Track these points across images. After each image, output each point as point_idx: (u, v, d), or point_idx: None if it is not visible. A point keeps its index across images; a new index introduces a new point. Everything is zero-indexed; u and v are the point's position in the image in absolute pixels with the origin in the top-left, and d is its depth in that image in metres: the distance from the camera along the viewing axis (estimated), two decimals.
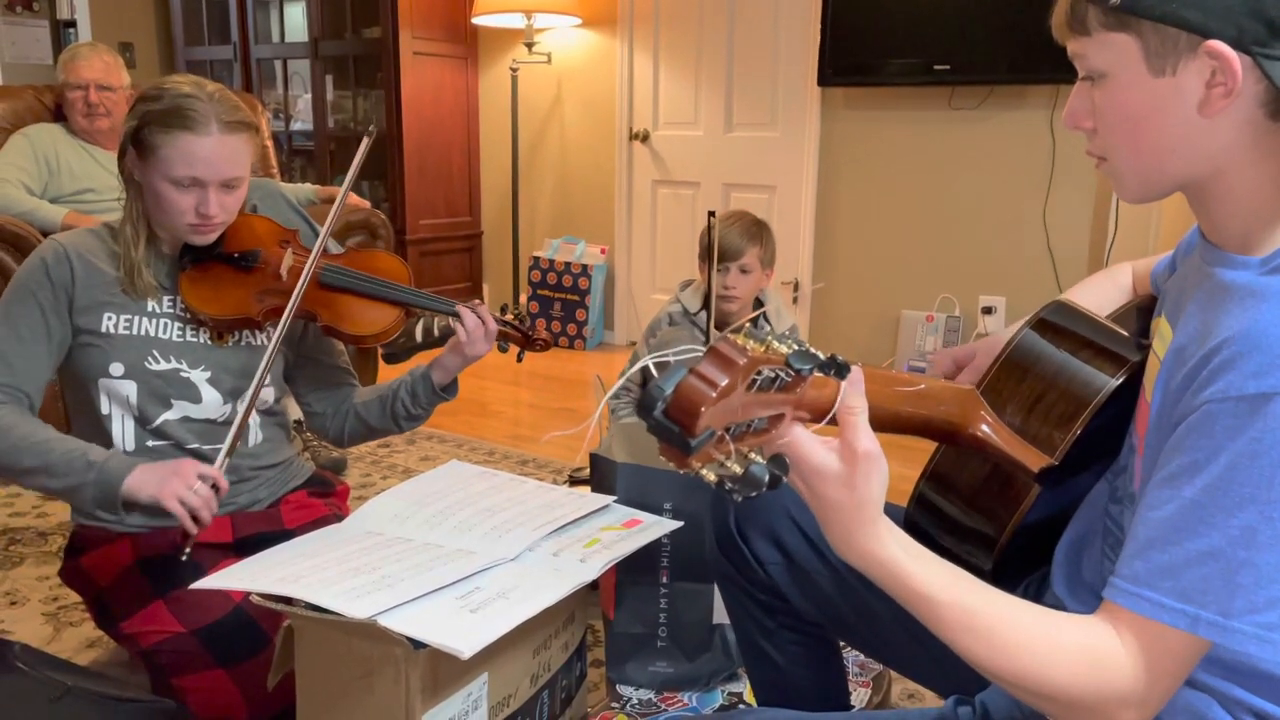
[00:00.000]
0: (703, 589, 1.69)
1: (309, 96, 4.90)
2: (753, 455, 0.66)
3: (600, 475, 1.70)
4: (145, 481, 1.39)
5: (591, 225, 4.67)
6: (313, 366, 1.72)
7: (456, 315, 1.60)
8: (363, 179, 4.79)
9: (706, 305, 2.27)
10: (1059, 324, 1.00)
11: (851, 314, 3.98)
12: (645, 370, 2.11)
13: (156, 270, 1.56)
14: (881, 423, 0.81)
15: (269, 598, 1.18)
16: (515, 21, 4.27)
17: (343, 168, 4.74)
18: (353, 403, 1.71)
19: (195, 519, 1.38)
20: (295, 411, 1.84)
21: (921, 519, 1.04)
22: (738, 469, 0.64)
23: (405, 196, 4.60)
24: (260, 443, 1.63)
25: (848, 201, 3.94)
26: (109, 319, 1.51)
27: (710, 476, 0.65)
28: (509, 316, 1.70)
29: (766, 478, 0.64)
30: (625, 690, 1.71)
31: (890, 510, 0.77)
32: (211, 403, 1.57)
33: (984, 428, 0.94)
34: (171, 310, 1.56)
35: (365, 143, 1.59)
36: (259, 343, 1.61)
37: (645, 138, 4.44)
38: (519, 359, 1.77)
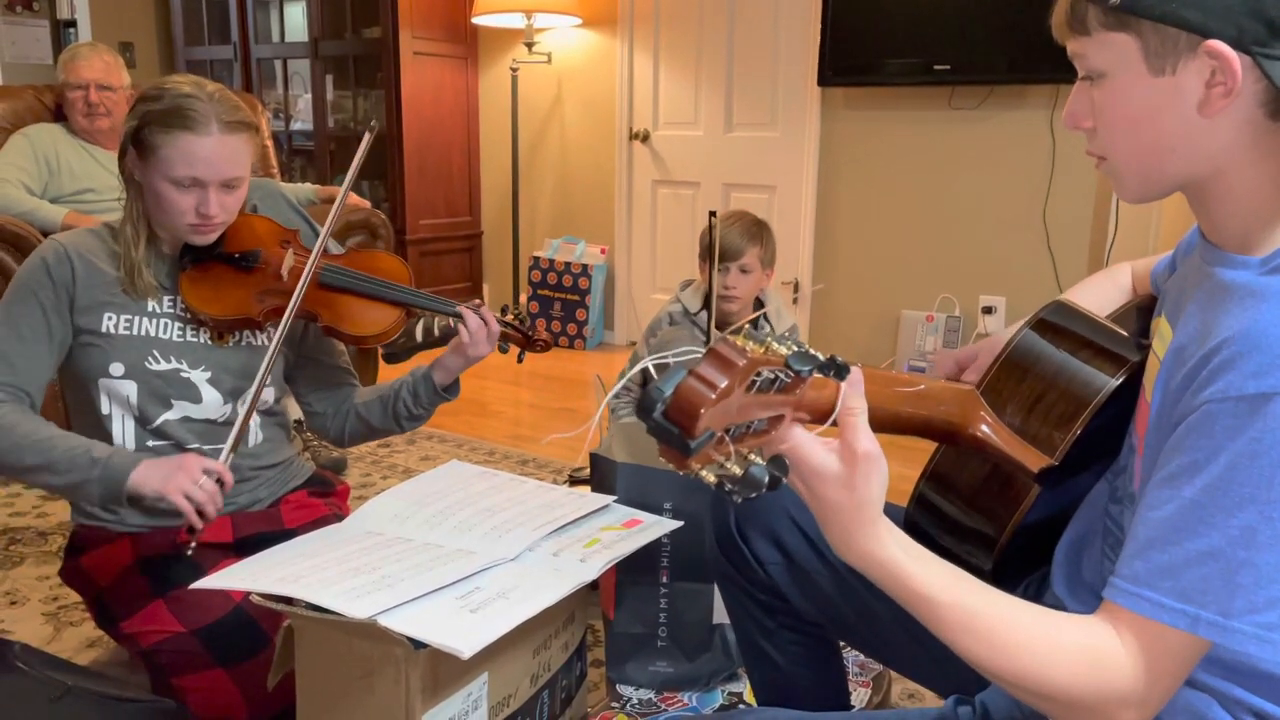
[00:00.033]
0: (703, 589, 1.69)
1: (309, 96, 4.90)
2: (752, 456, 0.66)
3: (600, 475, 1.70)
4: (150, 477, 1.38)
5: (591, 225, 4.67)
6: (313, 367, 1.72)
7: (458, 316, 1.60)
8: (363, 179, 4.79)
9: (707, 305, 2.27)
10: (1059, 324, 1.00)
11: (851, 314, 3.99)
12: (645, 370, 2.11)
13: (157, 270, 1.56)
14: (881, 423, 0.81)
15: (269, 597, 1.18)
16: (515, 21, 4.27)
17: (343, 167, 4.74)
18: (353, 403, 1.71)
19: (201, 514, 1.38)
20: (295, 411, 1.84)
21: (921, 519, 1.04)
22: (737, 470, 0.64)
23: (405, 196, 4.60)
24: (260, 443, 1.63)
25: (848, 201, 3.94)
26: (109, 319, 1.51)
27: (710, 478, 0.65)
28: (509, 317, 1.70)
29: (766, 479, 0.64)
30: (625, 690, 1.71)
31: (890, 510, 0.77)
32: (212, 403, 1.57)
33: (984, 428, 0.94)
34: (172, 310, 1.56)
35: (366, 139, 1.59)
36: (259, 343, 1.61)
37: (645, 138, 4.44)
38: (519, 359, 1.77)
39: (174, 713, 1.36)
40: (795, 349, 0.67)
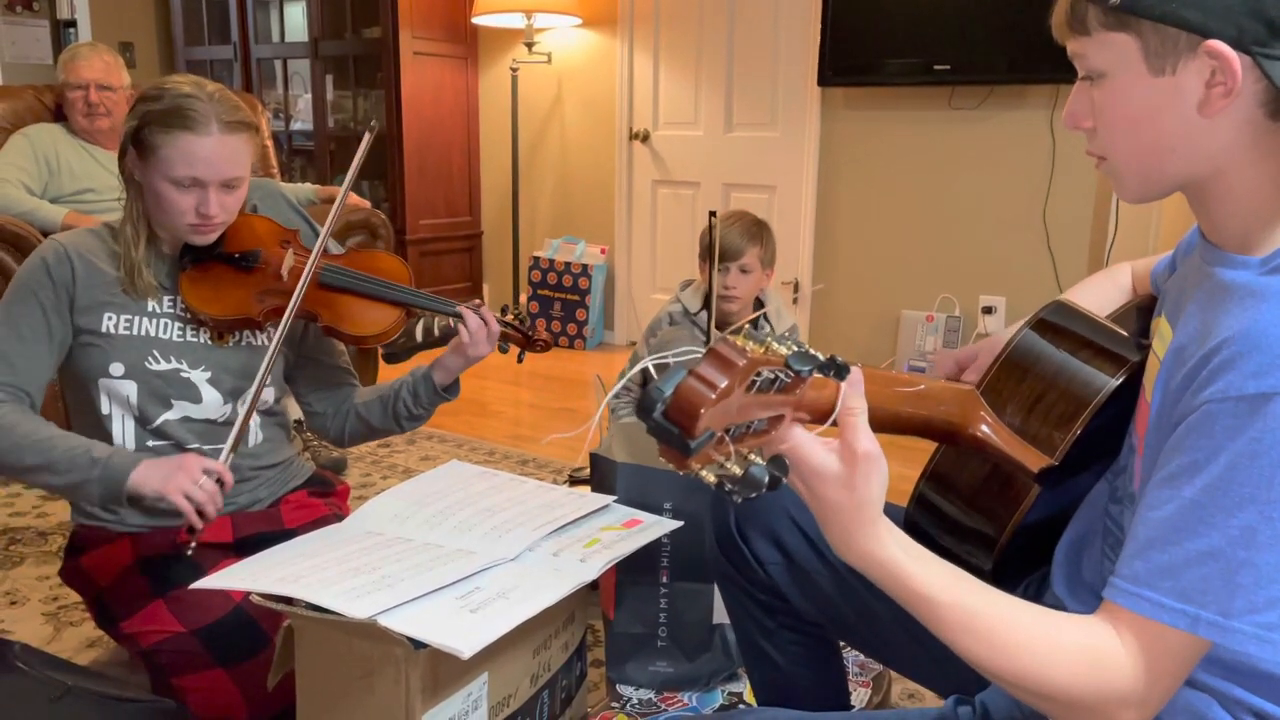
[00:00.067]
0: (703, 589, 1.69)
1: (309, 96, 4.90)
2: (752, 456, 0.66)
3: (600, 475, 1.70)
4: (150, 477, 1.38)
5: (591, 225, 4.67)
6: (313, 367, 1.72)
7: (458, 316, 1.60)
8: (363, 179, 4.79)
9: (707, 305, 2.27)
10: (1059, 324, 1.00)
11: (851, 314, 3.99)
12: (645, 370, 2.11)
13: (157, 270, 1.56)
14: (881, 423, 0.81)
15: (269, 597, 1.18)
16: (515, 21, 4.27)
17: (343, 167, 4.74)
18: (353, 403, 1.71)
19: (201, 514, 1.38)
20: (295, 411, 1.84)
21: (921, 519, 1.04)
22: (737, 470, 0.64)
23: (405, 196, 4.60)
24: (260, 443, 1.63)
25: (848, 201, 3.94)
26: (109, 319, 1.51)
27: (710, 478, 0.65)
28: (509, 317, 1.70)
29: (766, 479, 0.64)
30: (625, 690, 1.71)
31: (890, 510, 0.77)
32: (212, 403, 1.57)
33: (984, 428, 0.94)
34: (172, 310, 1.56)
35: (367, 138, 1.59)
36: (259, 343, 1.61)
37: (645, 138, 4.44)
38: (519, 360, 1.77)
39: (174, 713, 1.36)
40: (795, 349, 0.67)
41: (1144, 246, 3.28)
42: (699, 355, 0.64)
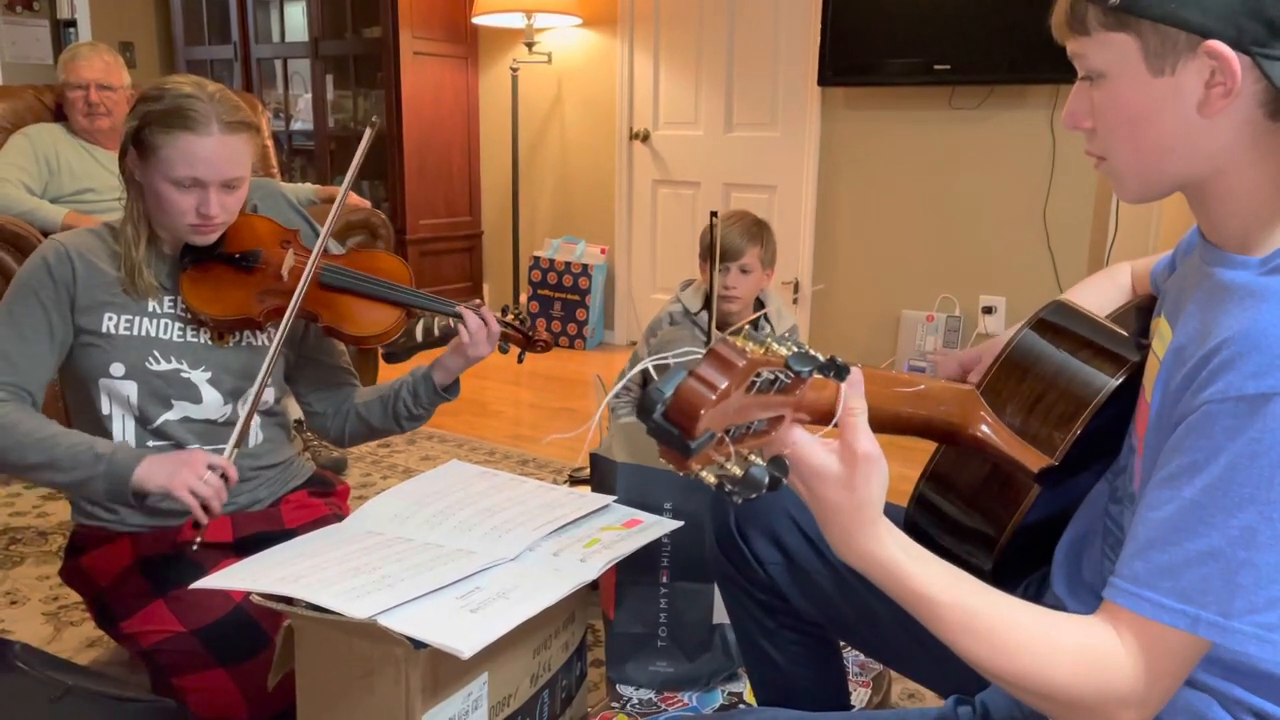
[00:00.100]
0: (703, 589, 1.70)
1: (309, 96, 4.90)
2: (752, 457, 0.66)
3: (600, 475, 1.70)
4: (155, 472, 1.38)
5: (592, 225, 4.67)
6: (314, 367, 1.72)
7: (458, 316, 1.60)
8: (363, 179, 4.79)
9: (707, 305, 2.27)
10: (1058, 324, 1.00)
11: (852, 314, 3.99)
12: (645, 370, 2.11)
13: (157, 270, 1.56)
14: (881, 423, 0.81)
15: (269, 597, 1.18)
16: (515, 21, 4.27)
17: (343, 167, 4.74)
18: (354, 403, 1.71)
19: (206, 509, 1.38)
20: (296, 411, 1.84)
21: (921, 519, 1.04)
22: (737, 471, 0.64)
23: (405, 196, 4.60)
24: (261, 443, 1.63)
25: (848, 201, 3.94)
26: (109, 319, 1.51)
27: (710, 478, 0.65)
28: (510, 317, 1.70)
29: (766, 480, 0.64)
30: (625, 690, 1.71)
31: (890, 510, 0.77)
32: (212, 403, 1.57)
33: (984, 428, 0.94)
34: (172, 310, 1.56)
35: (368, 134, 1.59)
36: (260, 343, 1.62)
37: (645, 137, 4.44)
38: (520, 360, 1.77)
39: (174, 713, 1.36)
40: (795, 349, 0.67)
41: (1144, 246, 3.28)
42: (699, 356, 0.64)
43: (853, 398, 0.73)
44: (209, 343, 1.57)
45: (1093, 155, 0.86)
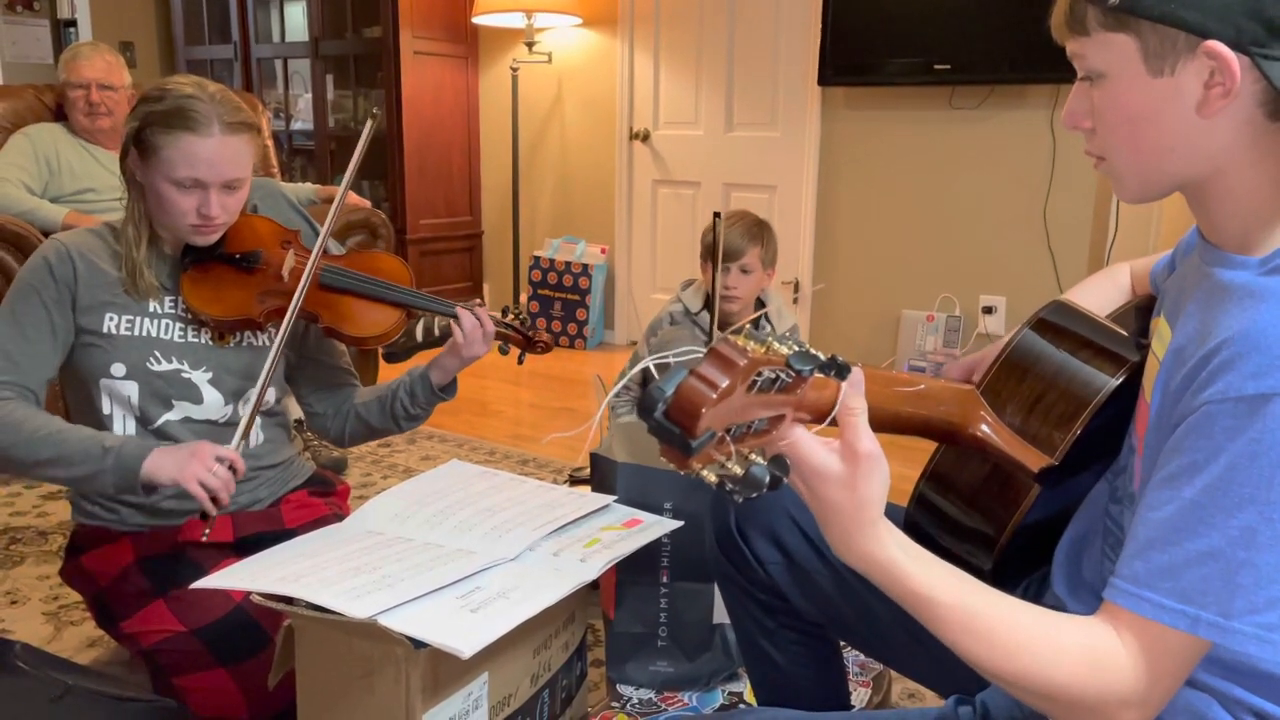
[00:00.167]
0: (703, 589, 1.70)
1: (309, 96, 4.90)
2: (753, 456, 0.66)
3: (600, 475, 1.70)
4: (164, 464, 1.38)
5: (592, 225, 4.67)
6: (314, 367, 1.72)
7: (455, 317, 1.60)
8: (363, 179, 4.80)
9: (708, 305, 2.27)
10: (1058, 324, 1.00)
11: (852, 314, 3.99)
12: (646, 370, 2.12)
13: (158, 271, 1.56)
14: (882, 423, 0.81)
15: (269, 597, 1.18)
16: (516, 21, 4.27)
17: (343, 167, 4.74)
18: (353, 403, 1.71)
19: (214, 501, 1.38)
20: (296, 411, 1.84)
21: (921, 519, 1.04)
22: (738, 470, 0.64)
23: (405, 196, 4.60)
24: (261, 443, 1.63)
25: (848, 201, 3.94)
26: (110, 319, 1.51)
27: (711, 477, 0.65)
28: (510, 318, 1.70)
29: (767, 479, 0.64)
30: (625, 690, 1.71)
31: (890, 510, 0.77)
32: (213, 403, 1.57)
33: (984, 428, 0.94)
34: (173, 311, 1.56)
35: (369, 126, 1.59)
36: (260, 344, 1.62)
37: (645, 137, 4.44)
38: (520, 361, 1.77)
39: (174, 712, 1.36)
40: (796, 348, 0.67)
41: (1144, 246, 3.28)
42: (700, 355, 0.64)
43: (853, 397, 0.73)
44: (210, 343, 1.57)
45: (1092, 155, 0.86)
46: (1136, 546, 0.76)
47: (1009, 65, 3.34)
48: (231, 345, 1.59)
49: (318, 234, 1.57)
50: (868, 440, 0.73)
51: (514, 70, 4.40)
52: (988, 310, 3.65)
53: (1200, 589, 0.71)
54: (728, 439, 0.65)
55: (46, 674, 1.30)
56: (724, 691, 1.72)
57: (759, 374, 0.65)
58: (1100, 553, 0.96)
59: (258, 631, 1.43)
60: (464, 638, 1.08)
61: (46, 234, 2.54)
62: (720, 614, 1.66)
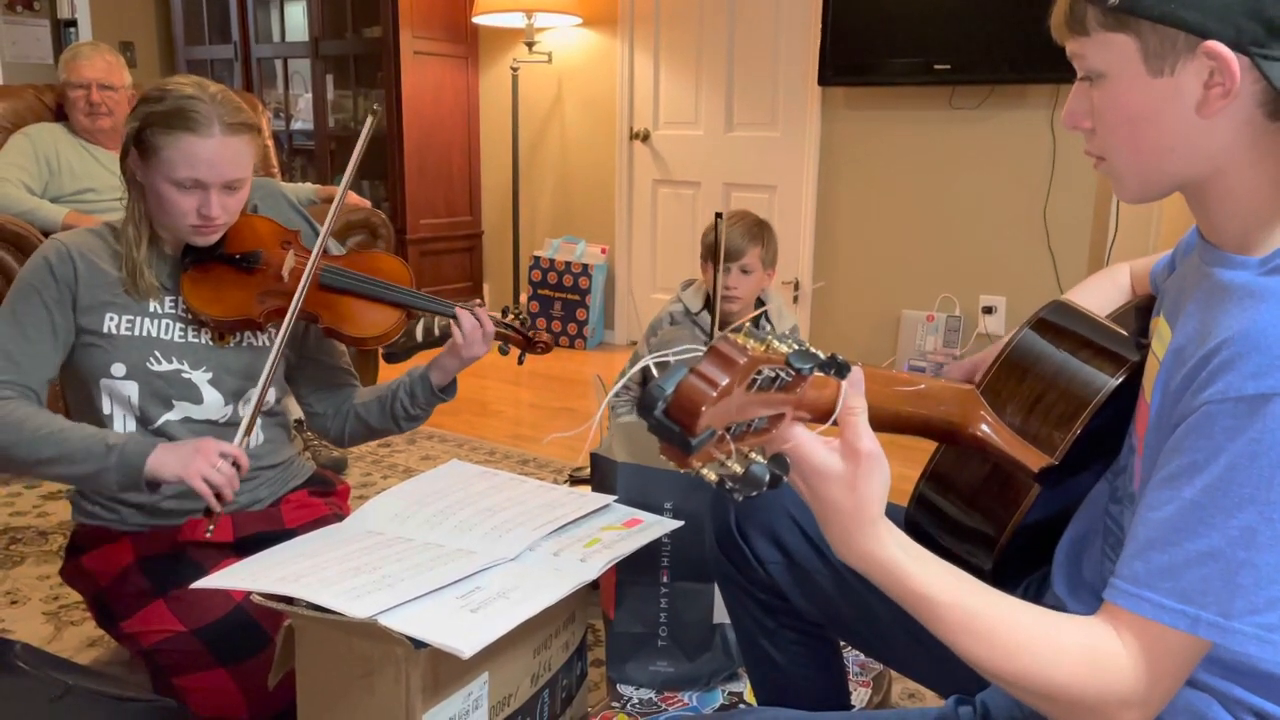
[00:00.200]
0: (703, 588, 1.70)
1: (309, 96, 4.90)
2: (753, 455, 0.66)
3: (601, 475, 1.70)
4: (168, 461, 1.38)
5: (592, 225, 4.67)
6: (314, 367, 1.72)
7: (455, 317, 1.60)
8: (363, 179, 4.80)
9: (709, 305, 2.27)
10: (1058, 324, 1.00)
11: (852, 314, 3.99)
12: (646, 369, 2.12)
13: (158, 271, 1.56)
14: (882, 422, 0.81)
15: (270, 597, 1.18)
16: (516, 21, 4.27)
17: (343, 167, 4.74)
18: (353, 403, 1.71)
19: (219, 497, 1.38)
20: (296, 411, 1.84)
21: (922, 519, 1.04)
22: (738, 468, 0.64)
23: (405, 196, 4.60)
24: (261, 443, 1.63)
25: (848, 201, 3.94)
26: (111, 319, 1.51)
27: (711, 476, 0.65)
28: (510, 318, 1.70)
29: (767, 477, 0.64)
30: (626, 690, 1.71)
31: (890, 510, 0.77)
32: (213, 404, 1.57)
33: (984, 427, 0.94)
34: (173, 311, 1.56)
35: (369, 121, 1.59)
36: (260, 344, 1.62)
37: (646, 137, 4.44)
38: (520, 361, 1.77)
39: (175, 712, 1.36)
40: (796, 347, 0.67)
41: (1144, 246, 3.28)
42: (700, 353, 0.64)
43: (854, 396, 0.73)
44: (210, 343, 1.57)
45: (1092, 155, 0.86)
46: (1136, 547, 0.76)
47: (1009, 65, 3.34)
48: (231, 345, 1.59)
49: (318, 234, 1.57)
50: (868, 439, 0.73)
51: (514, 70, 4.40)
52: (988, 310, 3.65)
53: (1200, 589, 0.71)
54: (728, 437, 0.65)
55: (46, 674, 1.30)
56: (724, 691, 1.72)
57: (759, 372, 0.65)
58: (1100, 553, 0.96)
59: (258, 631, 1.43)
60: (464, 638, 1.08)
61: (46, 234, 2.54)
62: (720, 614, 1.66)
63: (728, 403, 0.63)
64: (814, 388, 0.71)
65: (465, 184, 4.91)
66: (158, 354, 1.53)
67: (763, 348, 0.65)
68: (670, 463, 0.65)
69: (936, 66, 3.48)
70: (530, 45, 4.30)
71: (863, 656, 1.68)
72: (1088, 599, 0.95)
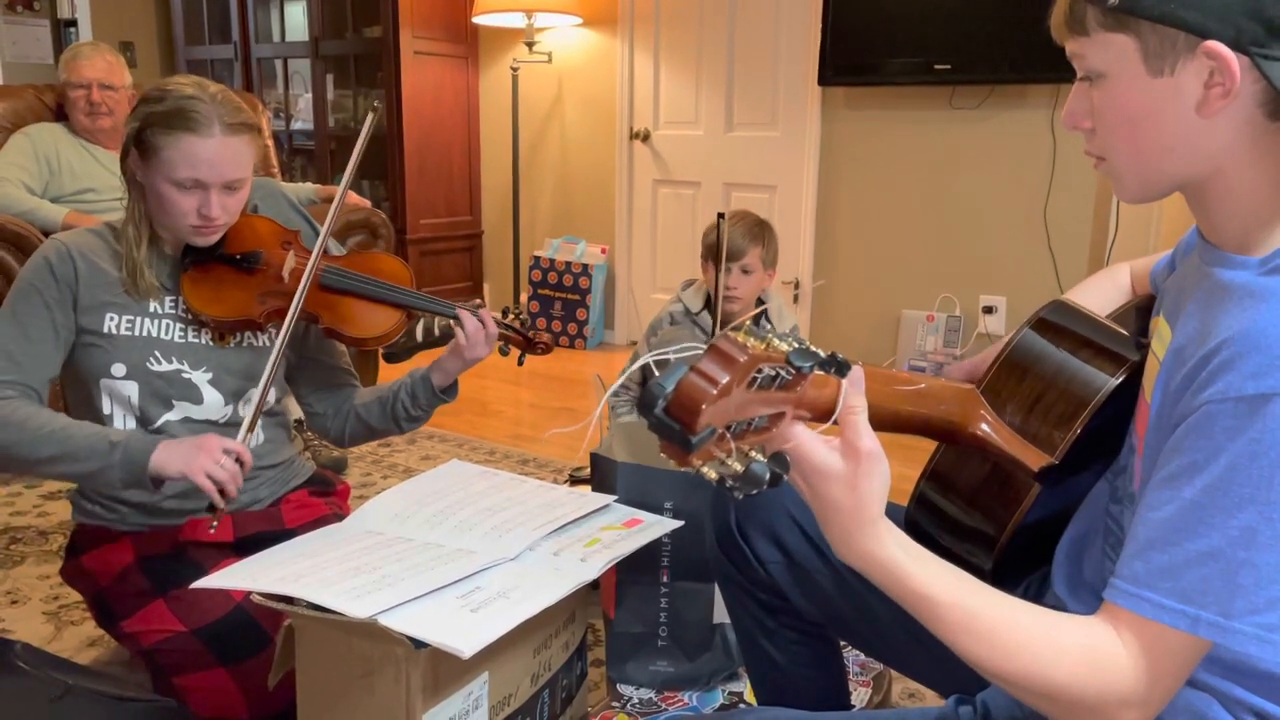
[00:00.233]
0: (703, 588, 1.70)
1: (309, 96, 4.90)
2: (754, 453, 0.66)
3: (601, 475, 1.70)
4: (171, 458, 1.38)
5: (592, 225, 4.67)
6: (314, 367, 1.72)
7: (457, 319, 1.60)
8: (363, 179, 4.80)
9: (709, 305, 2.27)
10: (1058, 323, 1.00)
11: (852, 314, 3.99)
12: (646, 370, 2.11)
13: (158, 271, 1.56)
14: (881, 422, 0.81)
15: (270, 597, 1.18)
16: (516, 21, 4.27)
17: (343, 166, 4.73)
18: (353, 404, 1.71)
19: (222, 494, 1.38)
20: (296, 411, 1.84)
21: (922, 519, 1.04)
22: (738, 467, 0.64)
23: (406, 196, 4.60)
24: (261, 443, 1.63)
25: (848, 201, 3.94)
26: (111, 319, 1.51)
27: (711, 474, 0.65)
28: (510, 319, 1.70)
29: (767, 476, 0.64)
30: (626, 689, 1.71)
31: (891, 510, 0.77)
32: (213, 404, 1.57)
33: (984, 427, 0.94)
34: (173, 311, 1.56)
35: (370, 119, 1.59)
36: (260, 344, 1.62)
37: (646, 137, 4.44)
38: (520, 362, 1.77)
39: (175, 712, 1.36)
40: (796, 345, 0.67)
41: (1144, 246, 3.28)
42: (700, 351, 0.64)
43: (853, 395, 0.73)
44: (210, 343, 1.57)
45: (1092, 155, 0.86)
46: (1136, 546, 0.76)
47: (1009, 65, 3.34)
48: (232, 346, 1.59)
49: (318, 234, 1.57)
50: (868, 438, 0.73)
51: (514, 70, 4.40)
52: (988, 310, 3.65)
53: (1200, 589, 0.71)
54: (728, 436, 0.65)
55: (46, 674, 1.30)
56: (724, 691, 1.72)
57: (759, 371, 0.64)
58: (1101, 552, 0.96)
59: (258, 631, 1.43)
60: (464, 637, 1.08)
61: (46, 234, 2.54)
62: (720, 614, 1.66)
63: (728, 401, 0.63)
64: (814, 386, 0.71)
65: (465, 184, 4.91)
66: (158, 354, 1.53)
67: (763, 346, 0.65)
68: (670, 462, 0.65)
69: (936, 66, 3.48)
70: (530, 45, 4.30)
71: (863, 656, 1.68)
72: (1088, 599, 0.95)
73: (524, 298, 4.70)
